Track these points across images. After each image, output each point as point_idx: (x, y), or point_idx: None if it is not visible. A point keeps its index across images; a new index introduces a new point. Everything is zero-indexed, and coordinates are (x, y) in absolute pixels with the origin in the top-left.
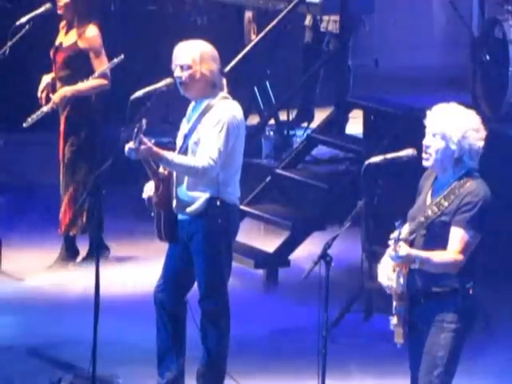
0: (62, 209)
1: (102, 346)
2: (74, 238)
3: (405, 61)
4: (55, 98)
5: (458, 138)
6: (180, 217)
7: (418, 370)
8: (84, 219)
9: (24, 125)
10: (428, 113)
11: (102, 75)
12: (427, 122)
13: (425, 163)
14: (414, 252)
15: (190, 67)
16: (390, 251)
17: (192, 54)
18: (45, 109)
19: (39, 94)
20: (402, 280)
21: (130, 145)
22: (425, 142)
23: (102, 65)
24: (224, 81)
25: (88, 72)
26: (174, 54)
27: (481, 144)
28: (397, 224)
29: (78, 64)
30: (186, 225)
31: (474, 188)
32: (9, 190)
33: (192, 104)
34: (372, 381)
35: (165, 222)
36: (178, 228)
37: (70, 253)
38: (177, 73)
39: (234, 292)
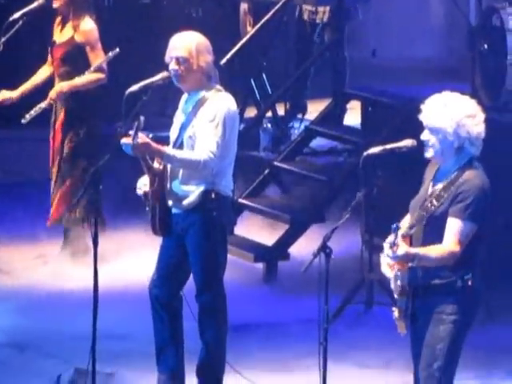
0: (55, 202)
1: (100, 341)
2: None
3: (402, 51)
4: (52, 93)
5: (454, 128)
6: (174, 211)
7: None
8: (78, 213)
9: (22, 121)
10: (422, 107)
11: (99, 69)
12: (422, 116)
13: (426, 154)
14: (413, 250)
15: (186, 59)
16: (386, 251)
17: (188, 46)
18: (42, 105)
19: None
20: (399, 282)
21: (126, 140)
22: (422, 136)
23: (98, 58)
24: (217, 73)
25: (86, 66)
26: (169, 46)
27: (479, 129)
28: (393, 227)
29: (76, 59)
30: (181, 219)
31: (470, 178)
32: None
33: (185, 96)
34: (374, 370)
35: (159, 217)
36: (173, 222)
37: (69, 246)
38: (172, 65)
39: (234, 286)
